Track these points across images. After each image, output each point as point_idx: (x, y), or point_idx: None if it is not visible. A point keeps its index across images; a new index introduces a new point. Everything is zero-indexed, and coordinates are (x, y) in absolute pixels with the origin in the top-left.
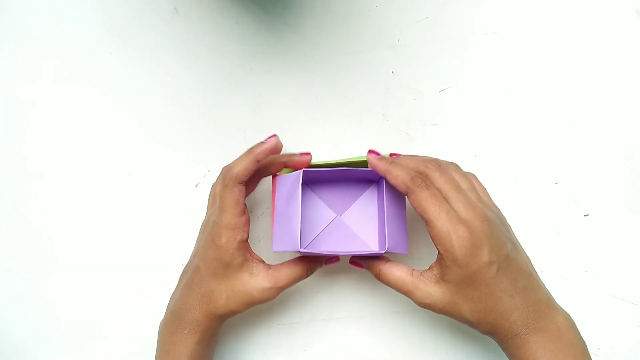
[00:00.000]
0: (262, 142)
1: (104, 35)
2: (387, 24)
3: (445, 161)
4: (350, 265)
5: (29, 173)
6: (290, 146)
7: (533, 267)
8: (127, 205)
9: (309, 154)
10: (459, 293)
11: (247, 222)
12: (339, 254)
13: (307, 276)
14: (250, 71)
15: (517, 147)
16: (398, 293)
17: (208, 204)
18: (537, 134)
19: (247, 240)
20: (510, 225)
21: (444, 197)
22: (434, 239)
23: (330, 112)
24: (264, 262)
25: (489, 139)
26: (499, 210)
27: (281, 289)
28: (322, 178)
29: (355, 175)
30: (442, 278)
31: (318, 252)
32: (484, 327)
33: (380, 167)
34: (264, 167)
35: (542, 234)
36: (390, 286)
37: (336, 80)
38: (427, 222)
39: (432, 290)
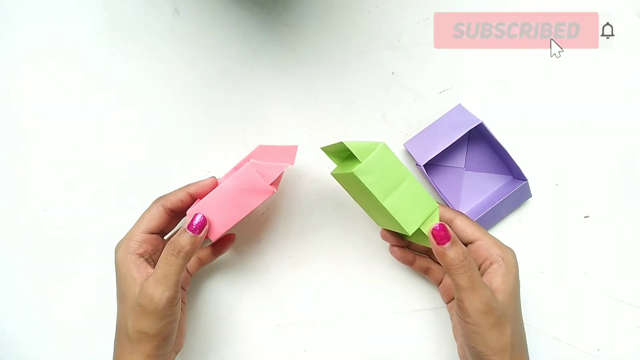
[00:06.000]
0: (198, 181)
1: (104, 35)
2: (387, 24)
3: None
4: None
5: (29, 173)
6: None
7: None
8: (126, 206)
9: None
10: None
11: (151, 242)
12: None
13: (190, 252)
14: (250, 71)
15: (517, 148)
16: (397, 294)
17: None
18: (537, 135)
19: (142, 255)
20: None
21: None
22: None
23: (330, 112)
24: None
25: None
26: None
27: (174, 286)
28: None
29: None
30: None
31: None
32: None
33: (448, 213)
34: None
35: (542, 235)
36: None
37: (336, 80)
38: (475, 239)
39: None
